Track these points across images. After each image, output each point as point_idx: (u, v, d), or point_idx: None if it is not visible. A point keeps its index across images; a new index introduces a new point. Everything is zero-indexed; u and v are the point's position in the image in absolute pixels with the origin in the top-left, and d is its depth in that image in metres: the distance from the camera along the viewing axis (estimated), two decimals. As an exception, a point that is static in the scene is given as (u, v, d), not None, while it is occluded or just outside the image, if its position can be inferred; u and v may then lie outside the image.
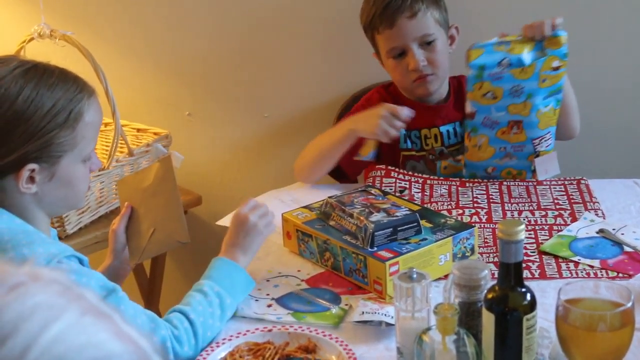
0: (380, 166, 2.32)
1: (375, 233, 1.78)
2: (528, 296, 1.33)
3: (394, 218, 1.82)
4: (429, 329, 1.38)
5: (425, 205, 2.04)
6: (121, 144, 2.40)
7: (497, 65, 2.16)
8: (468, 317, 1.43)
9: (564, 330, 1.28)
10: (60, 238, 2.25)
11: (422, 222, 1.85)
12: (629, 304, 1.25)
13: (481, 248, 1.91)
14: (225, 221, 2.18)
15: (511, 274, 1.33)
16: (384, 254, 1.74)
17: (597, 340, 1.26)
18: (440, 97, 2.39)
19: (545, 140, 2.27)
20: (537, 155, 2.27)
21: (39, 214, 1.60)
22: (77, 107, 1.55)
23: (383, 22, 2.27)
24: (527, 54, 2.16)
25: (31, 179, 1.54)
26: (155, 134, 2.57)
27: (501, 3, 2.61)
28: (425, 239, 1.80)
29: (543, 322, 1.48)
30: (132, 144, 2.50)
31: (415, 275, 1.45)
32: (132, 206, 1.88)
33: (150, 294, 2.74)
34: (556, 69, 2.18)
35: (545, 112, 2.23)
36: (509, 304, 1.33)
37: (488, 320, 1.34)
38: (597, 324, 1.25)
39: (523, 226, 1.31)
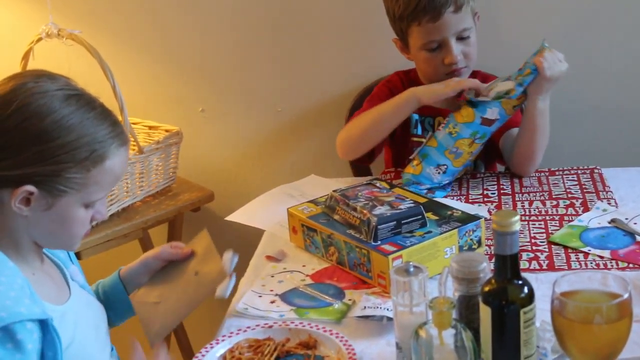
0: (390, 169, 2.35)
1: (379, 226, 1.75)
2: (525, 289, 1.30)
3: (398, 211, 1.79)
4: (425, 323, 1.36)
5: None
6: (132, 142, 2.40)
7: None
8: (468, 311, 1.40)
9: (560, 324, 1.25)
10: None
11: (428, 215, 1.82)
12: (626, 295, 1.22)
13: (489, 240, 1.88)
14: (235, 217, 2.18)
15: (507, 267, 1.29)
16: (388, 247, 1.72)
17: (593, 333, 1.22)
18: None
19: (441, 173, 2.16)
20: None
21: (26, 240, 1.51)
22: (101, 150, 1.47)
23: (428, 14, 2.17)
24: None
25: (26, 201, 1.45)
26: (166, 130, 2.57)
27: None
28: (430, 232, 1.77)
29: (547, 314, 1.44)
30: (144, 142, 2.50)
31: (412, 269, 1.42)
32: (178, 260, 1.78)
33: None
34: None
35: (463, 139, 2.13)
36: (506, 297, 1.29)
37: (485, 313, 1.31)
38: (593, 316, 1.21)
39: (518, 217, 1.27)
